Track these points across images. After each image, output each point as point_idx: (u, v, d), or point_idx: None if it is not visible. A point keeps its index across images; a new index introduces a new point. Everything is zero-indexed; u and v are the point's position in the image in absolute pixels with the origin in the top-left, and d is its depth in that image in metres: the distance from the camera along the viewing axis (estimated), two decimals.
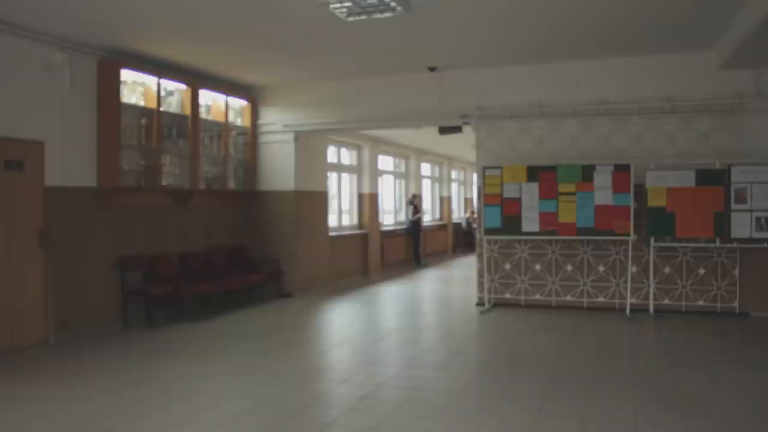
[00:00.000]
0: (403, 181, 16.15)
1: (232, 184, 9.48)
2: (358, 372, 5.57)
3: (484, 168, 8.48)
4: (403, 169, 16.17)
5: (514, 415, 4.34)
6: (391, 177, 15.59)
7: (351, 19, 6.08)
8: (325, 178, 11.31)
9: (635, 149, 8.02)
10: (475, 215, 11.11)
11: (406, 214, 15.08)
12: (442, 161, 18.72)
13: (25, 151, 6.49)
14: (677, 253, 7.91)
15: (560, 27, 6.73)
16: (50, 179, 6.73)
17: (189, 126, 8.34)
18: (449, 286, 11.81)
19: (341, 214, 12.72)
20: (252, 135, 9.77)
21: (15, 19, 6.15)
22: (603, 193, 7.87)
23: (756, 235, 7.34)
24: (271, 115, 9.89)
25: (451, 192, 19.52)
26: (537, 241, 8.40)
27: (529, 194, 8.18)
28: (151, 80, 7.76)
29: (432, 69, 8.61)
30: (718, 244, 7.59)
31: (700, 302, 7.85)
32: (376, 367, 5.73)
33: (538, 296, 8.50)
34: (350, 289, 10.80)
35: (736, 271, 7.70)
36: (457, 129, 9.66)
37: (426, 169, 17.65)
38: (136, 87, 7.66)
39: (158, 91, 7.77)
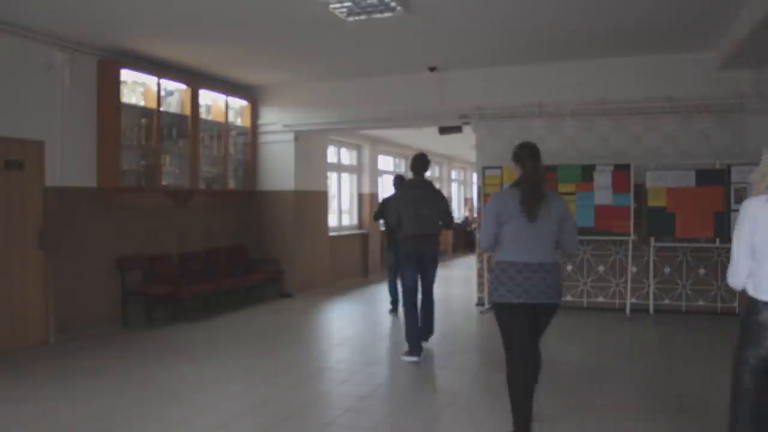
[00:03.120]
0: None
1: (232, 184, 9.47)
2: (358, 372, 5.57)
3: (484, 168, 8.48)
4: (403, 169, 16.16)
5: None
6: (391, 177, 15.55)
7: (351, 19, 6.08)
8: (325, 178, 11.31)
9: (635, 149, 8.02)
10: (475, 215, 11.09)
11: None
12: (442, 161, 18.71)
13: (25, 151, 6.49)
14: (677, 253, 7.91)
15: (560, 27, 6.73)
16: (50, 179, 6.73)
17: (189, 126, 8.34)
18: (449, 286, 11.80)
19: (341, 214, 12.72)
20: (252, 135, 9.77)
21: (15, 19, 6.15)
22: (603, 193, 7.87)
23: None
24: (271, 115, 9.88)
25: (451, 192, 19.51)
26: None
27: None
28: (151, 80, 7.76)
29: (432, 69, 8.61)
30: (718, 244, 7.59)
31: (700, 302, 7.85)
32: (376, 367, 5.74)
33: None
34: (350, 289, 10.80)
35: None
36: (457, 129, 9.65)
37: None
38: (136, 87, 7.66)
39: (158, 91, 7.77)
